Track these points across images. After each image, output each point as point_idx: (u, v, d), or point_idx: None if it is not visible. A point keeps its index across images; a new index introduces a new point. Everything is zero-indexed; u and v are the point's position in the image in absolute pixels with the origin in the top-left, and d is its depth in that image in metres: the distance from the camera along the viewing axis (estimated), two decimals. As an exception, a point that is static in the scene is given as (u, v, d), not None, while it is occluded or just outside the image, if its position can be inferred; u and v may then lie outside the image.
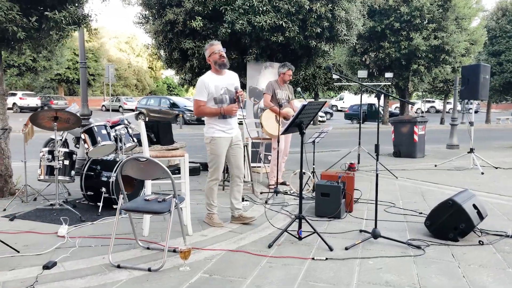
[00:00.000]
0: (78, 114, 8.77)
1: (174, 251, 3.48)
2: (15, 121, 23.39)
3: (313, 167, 6.28)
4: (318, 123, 26.90)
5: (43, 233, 4.01)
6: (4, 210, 4.83)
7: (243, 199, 5.40)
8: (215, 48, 4.23)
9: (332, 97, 47.79)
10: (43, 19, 5.12)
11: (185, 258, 3.09)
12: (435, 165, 9.31)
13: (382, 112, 26.60)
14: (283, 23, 7.27)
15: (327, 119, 31.53)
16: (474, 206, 4.11)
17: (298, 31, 7.44)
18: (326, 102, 4.10)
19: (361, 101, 4.00)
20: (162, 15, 7.96)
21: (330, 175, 5.14)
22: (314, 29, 7.48)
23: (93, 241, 3.82)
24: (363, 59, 11.55)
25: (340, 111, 42.98)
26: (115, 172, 4.88)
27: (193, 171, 7.76)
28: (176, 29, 7.93)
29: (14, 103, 32.51)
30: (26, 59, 15.52)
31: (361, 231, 4.31)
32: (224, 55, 4.26)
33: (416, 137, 10.79)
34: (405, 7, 10.43)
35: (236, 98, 4.27)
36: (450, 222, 3.96)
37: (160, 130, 7.74)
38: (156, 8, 8.15)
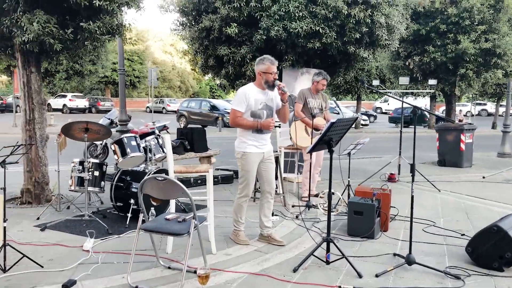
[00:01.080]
0: (117, 120, 9.00)
1: (195, 272, 3.38)
2: (66, 121, 24.46)
3: (348, 181, 6.01)
4: (361, 126, 26.23)
5: (70, 246, 4.03)
6: (38, 218, 4.93)
7: (272, 214, 5.23)
8: (273, 68, 4.06)
9: (377, 99, 46.58)
10: (78, 30, 5.20)
11: (203, 283, 2.98)
12: (483, 177, 8.74)
13: (428, 116, 25.58)
14: (320, 29, 7.04)
15: (370, 122, 30.72)
16: (523, 232, 3.73)
17: (335, 37, 7.20)
18: (357, 117, 3.87)
19: (402, 111, 3.70)
20: (198, 22, 7.95)
21: (364, 191, 4.88)
22: (352, 35, 7.21)
23: (116, 257, 3.79)
24: (407, 63, 11.06)
25: (385, 113, 41.79)
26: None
27: (226, 179, 7.69)
28: (212, 36, 7.90)
29: (64, 105, 33.97)
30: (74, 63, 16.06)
31: (395, 254, 4.04)
32: (276, 76, 4.12)
33: (463, 146, 10.19)
34: (453, 8, 9.86)
35: (279, 89, 4.06)
36: (494, 250, 3.62)
37: (194, 137, 7.73)
38: (192, 15, 8.15)
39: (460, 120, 27.33)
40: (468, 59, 10.06)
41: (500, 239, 3.59)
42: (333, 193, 3.71)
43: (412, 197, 3.71)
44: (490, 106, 41.46)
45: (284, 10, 6.99)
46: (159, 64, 46.48)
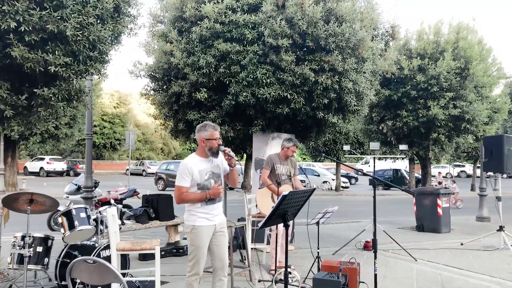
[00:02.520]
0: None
1: None
2: (40, 185, 23.76)
3: (318, 252, 5.67)
4: (341, 189, 26.08)
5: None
6: (-29, 301, 4.42)
7: (234, 291, 4.84)
8: (217, 134, 3.87)
9: (358, 161, 47.01)
10: (33, 96, 5.03)
11: None
12: (461, 243, 8.47)
13: (408, 178, 25.66)
14: (288, 95, 7.04)
15: (351, 184, 30.63)
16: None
17: (304, 102, 7.19)
18: (315, 189, 3.66)
19: (374, 184, 3.51)
20: (168, 88, 7.91)
21: (330, 265, 4.56)
22: (321, 100, 7.22)
23: None
24: (380, 127, 11.15)
25: (366, 175, 41.96)
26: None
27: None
28: (181, 101, 7.84)
29: (41, 167, 33.29)
30: (49, 126, 15.83)
31: None
32: (220, 142, 3.93)
33: (440, 210, 10.01)
34: (421, 75, 10.12)
35: (225, 154, 3.84)
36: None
37: (159, 205, 7.36)
38: (163, 81, 8.13)
39: (439, 182, 27.47)
40: (439, 124, 10.19)
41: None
42: (290, 273, 3.39)
43: (375, 275, 3.40)
44: (469, 168, 42.10)
45: (252, 77, 7.00)
46: (141, 126, 46.60)
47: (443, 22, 10.82)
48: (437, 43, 10.09)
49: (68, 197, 9.35)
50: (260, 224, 3.25)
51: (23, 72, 4.90)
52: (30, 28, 4.47)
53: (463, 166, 44.11)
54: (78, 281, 4.31)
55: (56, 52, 4.75)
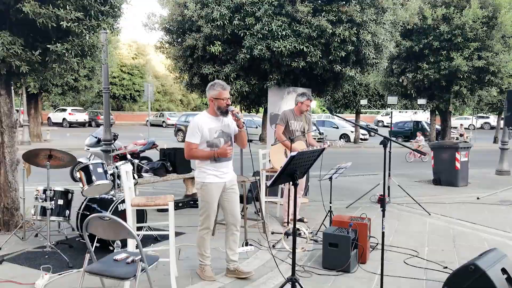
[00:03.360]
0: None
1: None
2: (63, 136, 24.38)
3: (330, 206, 5.75)
4: (360, 141, 25.97)
5: (22, 283, 3.80)
6: (0, 248, 4.70)
7: (246, 243, 5.01)
8: (225, 94, 3.89)
9: (378, 112, 46.31)
10: (47, 52, 5.04)
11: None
12: (478, 198, 8.45)
13: (428, 130, 25.28)
14: (304, 48, 6.87)
15: (370, 136, 30.41)
16: (504, 270, 3.47)
17: (320, 55, 7.03)
18: (324, 149, 3.65)
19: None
20: (183, 41, 7.81)
21: (341, 221, 4.63)
22: (338, 53, 7.04)
23: (69, 295, 3.57)
24: (400, 80, 10.85)
25: (387, 126, 41.49)
26: (110, 211, 4.64)
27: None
28: (196, 54, 7.76)
29: (64, 118, 34.00)
30: (68, 78, 15.95)
31: (368, 293, 3.78)
32: (229, 102, 3.95)
33: (458, 164, 9.92)
34: (445, 25, 9.66)
35: (233, 115, 3.88)
36: (472, 291, 3.35)
37: (177, 158, 7.51)
38: (177, 34, 8.01)
39: (461, 135, 26.98)
40: (461, 77, 9.83)
41: (477, 279, 3.33)
42: (298, 229, 3.47)
43: (383, 233, 3.46)
44: (493, 119, 41.07)
45: (267, 29, 6.84)
46: (160, 77, 46.57)
47: (472, -34, 10.18)
48: (464, -11, 9.56)
49: (88, 149, 9.58)
50: (269, 183, 3.30)
51: (36, 28, 4.88)
52: (40, -17, 4.41)
53: (487, 117, 43.03)
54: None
55: (67, 7, 4.70)
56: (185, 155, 3.95)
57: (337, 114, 4.07)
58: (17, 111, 15.67)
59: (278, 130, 6.02)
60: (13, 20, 4.90)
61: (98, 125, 34.47)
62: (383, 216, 3.44)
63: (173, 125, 32.54)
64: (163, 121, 38.94)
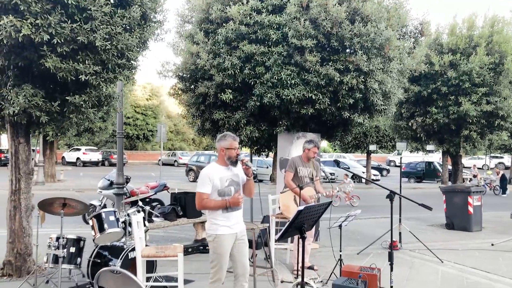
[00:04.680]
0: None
1: None
2: (76, 176, 24.72)
3: (340, 255, 5.72)
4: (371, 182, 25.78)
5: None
6: (11, 296, 4.75)
7: (256, 293, 4.98)
8: (236, 144, 4.03)
9: (389, 152, 46.13)
10: (66, 103, 5.27)
11: None
12: (492, 244, 8.31)
13: (441, 170, 25.09)
14: (313, 96, 7.05)
15: (382, 176, 30.22)
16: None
17: (329, 102, 7.19)
18: (331, 202, 3.71)
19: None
20: (195, 88, 8.08)
21: (351, 271, 4.61)
22: (346, 101, 7.20)
23: None
24: (410, 123, 10.96)
25: (399, 166, 41.25)
26: (120, 259, 4.70)
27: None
28: (207, 101, 7.99)
29: (77, 158, 34.54)
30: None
31: None
32: (239, 152, 4.10)
33: (471, 209, 9.81)
34: (452, 71, 9.85)
35: (243, 164, 3.98)
36: None
37: (187, 203, 7.59)
38: (189, 82, 8.29)
39: (474, 175, 26.61)
40: (470, 121, 9.91)
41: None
42: (307, 283, 3.48)
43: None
44: (507, 159, 40.58)
45: (276, 78, 7.06)
46: (173, 117, 47.39)
47: (477, 15, 10.47)
48: (470, 37, 9.74)
49: (101, 192, 9.72)
50: (277, 237, 3.35)
51: (56, 80, 5.14)
52: (62, 40, 4.68)
53: (501, 157, 42.56)
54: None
55: (86, 62, 4.96)
56: (197, 206, 3.99)
57: (344, 167, 4.14)
58: (33, 150, 16.02)
59: (287, 177, 6.10)
60: (35, 73, 5.18)
61: (111, 164, 34.92)
62: (391, 270, 3.45)
63: (184, 164, 32.82)
64: (175, 161, 39.34)
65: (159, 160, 39.22)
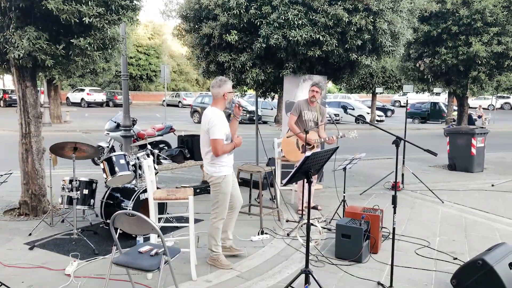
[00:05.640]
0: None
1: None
2: (82, 117, 24.86)
3: (344, 196, 5.90)
4: (376, 122, 25.83)
5: (53, 269, 4.07)
6: (30, 234, 4.99)
7: (262, 232, 5.21)
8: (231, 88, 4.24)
9: (395, 92, 45.71)
10: (70, 46, 5.21)
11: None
12: (492, 185, 8.50)
13: (446, 111, 25.01)
14: (320, 37, 6.89)
15: (387, 117, 30.19)
16: (511, 265, 3.60)
17: (337, 44, 7.04)
18: (338, 147, 3.76)
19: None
20: (199, 29, 7.89)
21: (354, 212, 4.78)
22: (354, 42, 7.03)
23: (96, 282, 3.81)
24: (417, 65, 10.76)
25: (404, 107, 41.06)
26: (132, 200, 4.88)
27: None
28: (212, 42, 7.84)
29: (82, 98, 34.55)
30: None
31: (378, 283, 3.95)
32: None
33: (474, 150, 9.93)
34: (464, 10, 9.50)
35: (239, 106, 4.24)
36: (479, 286, 3.49)
37: (194, 145, 7.72)
38: (193, 22, 8.08)
39: (479, 116, 26.55)
40: (480, 62, 9.71)
41: (485, 274, 3.46)
42: (312, 224, 3.63)
43: (394, 228, 3.59)
44: (514, 99, 40.24)
45: (283, 18, 6.86)
46: (176, 57, 46.65)
47: None
48: (486, -28, 9.31)
49: (108, 133, 9.83)
50: (284, 181, 3.45)
51: (59, 23, 5.04)
52: (63, -20, 4.54)
53: (508, 97, 42.18)
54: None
55: (89, 3, 4.84)
56: (217, 152, 4.00)
57: (350, 113, 4.12)
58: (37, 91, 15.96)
59: (290, 120, 6.12)
60: (37, 15, 5.07)
61: (115, 105, 34.94)
62: (394, 212, 3.58)
63: (189, 105, 32.80)
64: (179, 101, 39.26)
65: (163, 101, 39.21)
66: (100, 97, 35.18)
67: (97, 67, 18.54)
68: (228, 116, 4.21)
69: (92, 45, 5.20)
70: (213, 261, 4.24)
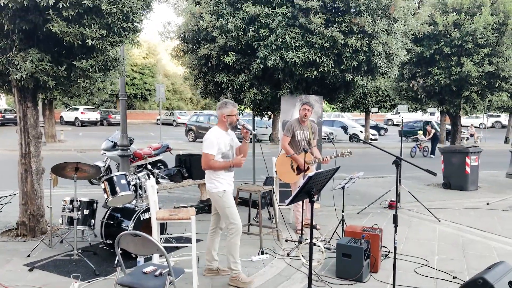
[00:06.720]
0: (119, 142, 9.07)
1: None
2: (76, 136, 24.79)
3: (342, 215, 5.94)
4: (370, 140, 26.04)
5: (54, 291, 4.05)
6: (29, 255, 4.96)
7: (262, 252, 5.22)
8: (235, 111, 4.38)
9: (388, 111, 46.18)
10: (72, 68, 5.28)
11: None
12: (487, 203, 8.58)
13: (438, 130, 25.27)
14: (317, 58, 7.03)
15: (380, 135, 30.42)
16: (511, 283, 3.64)
17: (333, 65, 7.18)
18: (339, 167, 3.82)
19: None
20: (198, 50, 8.01)
21: (354, 231, 4.81)
22: (350, 63, 7.18)
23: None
24: (411, 84, 10.96)
25: (396, 125, 41.44)
26: (133, 221, 4.88)
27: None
28: (210, 63, 7.96)
29: (76, 117, 34.46)
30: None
31: (380, 303, 3.97)
32: (238, 118, 4.44)
33: (468, 169, 10.05)
34: (456, 31, 9.75)
35: (244, 128, 4.30)
36: (480, 304, 3.52)
37: (192, 164, 7.75)
38: (192, 43, 8.21)
39: (471, 135, 26.87)
40: (472, 82, 9.92)
41: (486, 293, 3.49)
42: (314, 244, 3.66)
43: (395, 248, 3.64)
44: (504, 118, 40.74)
45: (281, 40, 7.01)
46: (170, 76, 46.93)
47: (484, -28, 10.23)
48: (475, -4, 9.62)
49: (105, 153, 9.83)
50: (287, 201, 3.50)
51: (62, 45, 5.12)
52: (68, 4, 4.63)
53: (498, 116, 42.72)
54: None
55: (92, 26, 4.93)
56: (203, 165, 4.26)
57: (350, 133, 4.24)
58: (38, 111, 15.93)
59: (283, 141, 6.17)
60: (40, 37, 5.15)
61: (109, 124, 34.90)
62: (395, 232, 3.62)
63: (183, 124, 32.85)
64: (173, 120, 39.32)
65: (158, 119, 39.26)
66: (94, 116, 35.14)
67: (93, 87, 18.64)
68: (235, 127, 4.42)
69: (94, 67, 5.28)
70: (234, 281, 4.22)
